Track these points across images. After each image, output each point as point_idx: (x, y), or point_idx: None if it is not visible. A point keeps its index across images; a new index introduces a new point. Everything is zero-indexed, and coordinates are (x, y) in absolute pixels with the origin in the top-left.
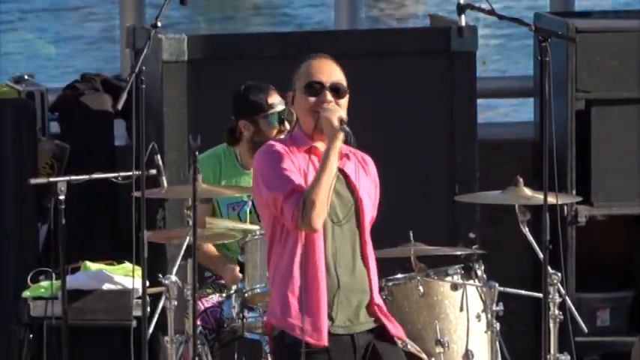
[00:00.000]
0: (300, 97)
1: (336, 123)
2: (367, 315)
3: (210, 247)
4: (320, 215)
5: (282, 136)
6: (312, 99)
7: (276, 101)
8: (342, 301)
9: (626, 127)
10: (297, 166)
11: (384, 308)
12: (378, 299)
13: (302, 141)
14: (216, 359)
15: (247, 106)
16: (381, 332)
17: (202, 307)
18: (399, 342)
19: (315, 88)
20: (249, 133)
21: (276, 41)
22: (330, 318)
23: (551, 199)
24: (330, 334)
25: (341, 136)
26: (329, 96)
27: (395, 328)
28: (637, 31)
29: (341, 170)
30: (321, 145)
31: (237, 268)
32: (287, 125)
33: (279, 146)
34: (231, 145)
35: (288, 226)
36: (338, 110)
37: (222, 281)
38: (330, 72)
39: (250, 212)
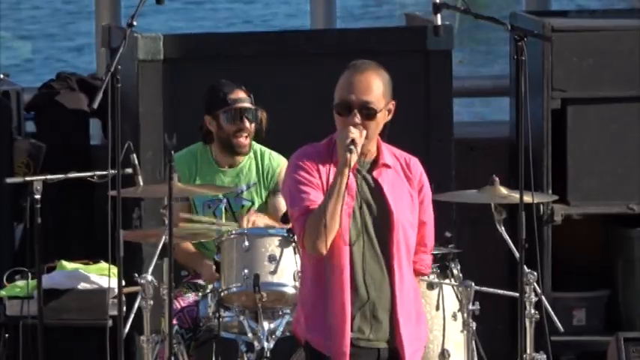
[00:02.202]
0: (335, 113)
1: (344, 149)
2: (391, 329)
3: (187, 244)
4: (321, 240)
5: (245, 135)
6: (342, 119)
7: (238, 97)
8: (368, 315)
9: (602, 126)
10: (322, 177)
11: (408, 327)
12: (401, 316)
13: (333, 148)
14: (192, 359)
15: (211, 102)
16: (396, 351)
17: (179, 307)
18: None
19: (344, 108)
20: (214, 130)
21: (251, 40)
22: (358, 331)
23: (527, 198)
24: (354, 346)
25: (351, 161)
26: (357, 118)
27: (410, 350)
28: (613, 30)
29: (375, 180)
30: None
31: (214, 267)
32: (247, 124)
33: (311, 152)
34: (207, 144)
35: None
36: (352, 134)
37: (199, 280)
38: (362, 89)
39: (225, 210)
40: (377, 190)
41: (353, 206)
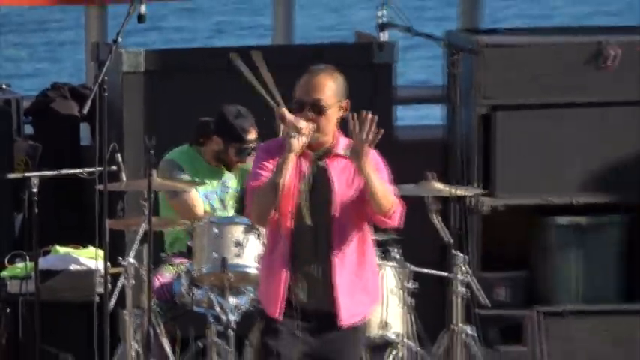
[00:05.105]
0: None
1: (289, 137)
2: (327, 299)
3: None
4: (261, 212)
5: (241, 165)
6: (297, 114)
7: (252, 139)
8: (308, 282)
9: (525, 129)
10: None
11: (345, 295)
12: (340, 286)
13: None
14: (168, 328)
15: (227, 131)
16: (334, 316)
17: (158, 283)
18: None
19: (299, 105)
20: (216, 148)
21: (218, 55)
22: (298, 296)
23: (459, 192)
24: (294, 309)
25: (293, 146)
26: (309, 114)
27: (346, 314)
28: (535, 46)
29: (326, 167)
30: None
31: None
32: (250, 159)
33: (271, 145)
34: (196, 146)
35: None
36: (298, 124)
37: (176, 259)
38: (314, 89)
39: (218, 201)
40: (325, 175)
41: (301, 187)
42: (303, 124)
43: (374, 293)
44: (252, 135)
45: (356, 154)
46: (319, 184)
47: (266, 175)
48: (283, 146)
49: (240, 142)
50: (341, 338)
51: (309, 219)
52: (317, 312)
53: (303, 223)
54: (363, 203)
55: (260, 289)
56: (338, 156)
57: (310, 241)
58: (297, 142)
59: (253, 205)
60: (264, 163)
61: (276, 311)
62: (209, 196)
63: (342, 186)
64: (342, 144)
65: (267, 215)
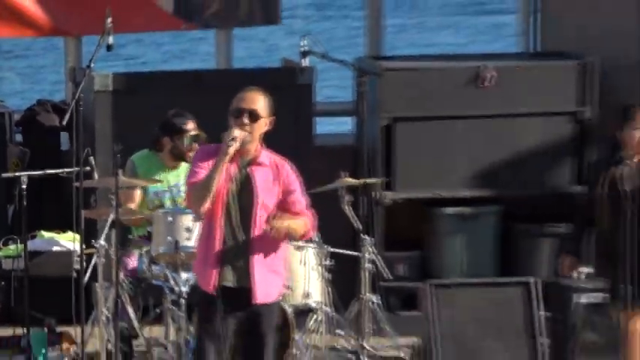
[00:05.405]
0: (229, 118)
1: (226, 143)
2: (247, 281)
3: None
4: (198, 203)
5: (192, 153)
6: (235, 120)
7: (191, 128)
8: (232, 262)
9: (419, 137)
10: (211, 165)
11: (261, 274)
12: (256, 266)
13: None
14: (134, 300)
15: (170, 129)
16: (252, 295)
17: (129, 262)
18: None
19: (237, 112)
20: (169, 147)
21: (173, 77)
22: (225, 274)
23: (367, 181)
24: (221, 285)
25: (228, 151)
26: (245, 119)
27: (261, 293)
28: (426, 70)
29: (250, 172)
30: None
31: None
32: (196, 145)
33: (208, 149)
34: (155, 151)
35: None
36: (234, 133)
37: (140, 242)
38: (250, 101)
39: (169, 199)
40: (249, 179)
41: (230, 187)
42: (237, 133)
43: (282, 276)
44: (190, 125)
45: (276, 233)
46: (245, 187)
47: (202, 173)
48: (218, 150)
49: (182, 133)
50: (258, 312)
51: (236, 215)
52: (239, 291)
53: (230, 218)
54: (279, 207)
55: (195, 267)
56: (260, 164)
57: (236, 234)
58: (232, 148)
59: (192, 197)
60: (200, 163)
61: (210, 289)
62: (160, 193)
63: (263, 191)
64: (264, 155)
65: (202, 206)
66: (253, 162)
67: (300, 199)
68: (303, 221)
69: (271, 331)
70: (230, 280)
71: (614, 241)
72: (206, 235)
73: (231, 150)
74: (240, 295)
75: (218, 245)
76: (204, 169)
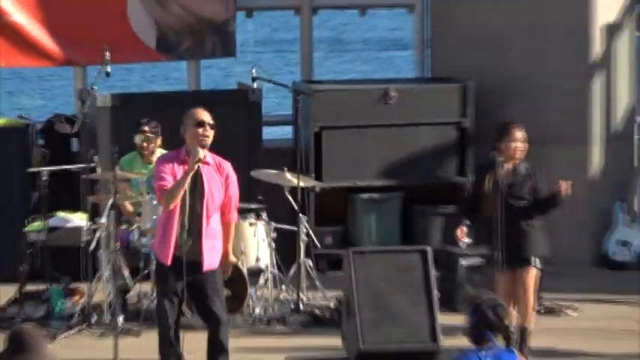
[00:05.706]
0: (190, 129)
1: (194, 161)
2: (197, 253)
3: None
4: (171, 202)
5: (146, 152)
6: (199, 130)
7: (145, 129)
8: (186, 239)
9: (342, 141)
10: (172, 169)
11: (208, 248)
12: (204, 242)
13: (184, 154)
14: (125, 265)
15: (135, 127)
16: (201, 264)
17: (124, 236)
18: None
19: (200, 124)
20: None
21: (156, 96)
22: (180, 248)
23: (301, 182)
24: (176, 257)
25: (195, 168)
26: (208, 128)
27: (207, 264)
28: (347, 90)
29: (200, 170)
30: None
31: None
32: (144, 144)
33: (169, 155)
34: (139, 150)
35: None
36: (200, 153)
37: (136, 219)
38: (207, 116)
39: (146, 187)
40: (200, 176)
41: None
42: (201, 154)
43: (220, 251)
44: (145, 127)
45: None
46: (198, 182)
47: (167, 176)
48: (177, 157)
49: (137, 130)
50: (205, 277)
51: (190, 203)
52: (191, 261)
53: (187, 205)
54: (222, 200)
55: (155, 245)
56: (207, 163)
57: (190, 217)
58: (198, 163)
59: (164, 199)
60: (164, 167)
61: (168, 260)
62: (140, 183)
63: (210, 183)
64: (209, 156)
65: (172, 205)
66: (201, 161)
67: (235, 191)
68: (231, 229)
69: (216, 289)
70: (184, 254)
71: (493, 221)
72: (166, 218)
73: (197, 165)
74: (192, 266)
75: (175, 227)
76: (167, 173)
